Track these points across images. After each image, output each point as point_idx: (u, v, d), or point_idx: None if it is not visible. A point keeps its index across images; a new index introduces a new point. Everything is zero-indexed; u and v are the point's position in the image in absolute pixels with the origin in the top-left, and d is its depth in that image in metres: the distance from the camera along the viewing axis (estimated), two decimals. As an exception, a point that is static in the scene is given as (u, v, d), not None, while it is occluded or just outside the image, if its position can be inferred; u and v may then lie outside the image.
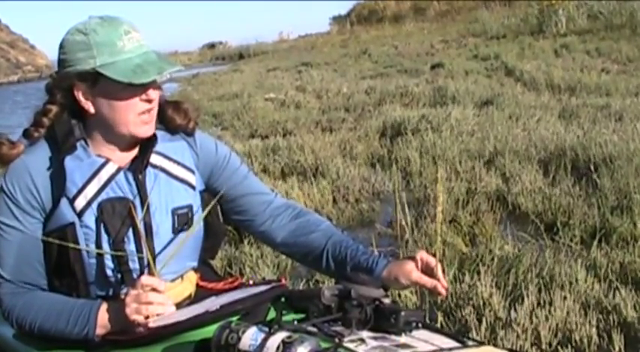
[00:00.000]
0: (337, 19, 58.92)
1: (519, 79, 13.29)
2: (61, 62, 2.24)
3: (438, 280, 2.27)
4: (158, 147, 2.34)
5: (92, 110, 2.23)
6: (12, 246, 2.25)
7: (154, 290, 2.10)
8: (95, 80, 2.19)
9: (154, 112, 2.30)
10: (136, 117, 2.24)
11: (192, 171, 2.42)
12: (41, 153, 2.26)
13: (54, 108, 2.26)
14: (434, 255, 2.29)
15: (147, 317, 2.08)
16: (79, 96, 2.22)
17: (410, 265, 2.31)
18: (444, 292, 2.31)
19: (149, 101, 2.25)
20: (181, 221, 2.36)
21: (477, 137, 7.77)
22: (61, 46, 2.24)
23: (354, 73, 19.41)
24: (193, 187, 2.41)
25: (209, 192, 2.50)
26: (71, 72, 2.21)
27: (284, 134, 10.12)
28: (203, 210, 2.42)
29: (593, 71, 13.03)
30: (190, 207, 2.38)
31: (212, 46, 74.84)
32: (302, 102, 13.52)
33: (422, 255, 2.32)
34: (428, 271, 2.29)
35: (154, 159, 2.33)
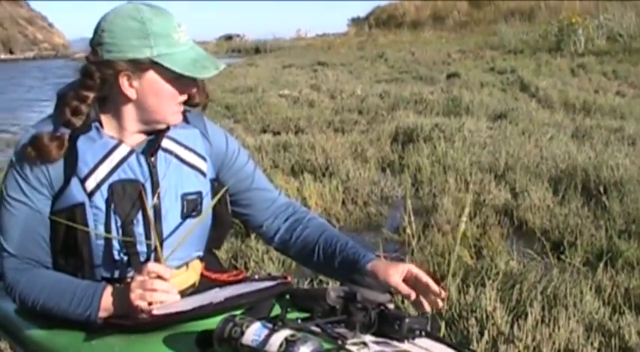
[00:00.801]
0: (355, 21, 59.07)
1: (534, 95, 13.26)
2: (105, 45, 2.19)
3: (432, 291, 2.26)
4: (170, 133, 2.34)
5: (134, 97, 2.22)
6: (18, 221, 2.24)
7: (159, 277, 2.09)
8: (146, 69, 2.18)
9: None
10: (175, 106, 2.25)
11: (204, 159, 2.42)
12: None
13: (91, 95, 2.23)
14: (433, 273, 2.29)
15: (150, 304, 2.07)
16: (123, 82, 2.20)
17: (394, 269, 2.29)
18: (427, 308, 2.32)
19: (186, 94, 2.28)
20: (190, 207, 2.35)
21: (488, 150, 7.74)
22: (108, 30, 2.19)
23: (369, 76, 19.43)
24: (204, 174, 2.40)
25: (218, 182, 2.50)
26: (120, 58, 2.19)
27: (296, 131, 10.13)
28: (212, 198, 2.42)
29: (609, 93, 13.01)
30: (200, 193, 2.38)
31: (229, 38, 75.11)
32: (316, 101, 13.52)
33: (410, 267, 2.30)
34: (411, 283, 2.28)
35: (166, 143, 2.32)
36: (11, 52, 61.95)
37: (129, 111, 2.26)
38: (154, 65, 2.17)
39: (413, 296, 2.27)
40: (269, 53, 45.34)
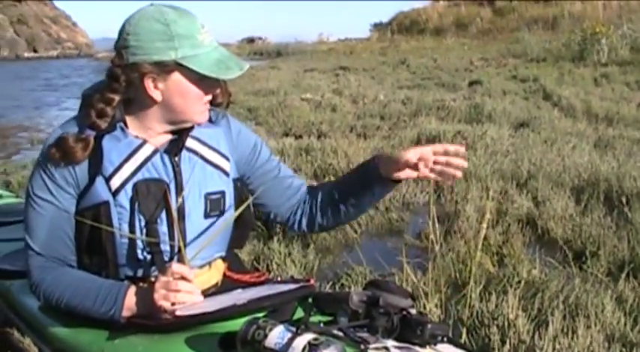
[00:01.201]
0: (378, 27, 59.15)
1: (557, 104, 13.20)
2: (131, 48, 2.21)
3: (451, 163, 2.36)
4: (194, 132, 2.37)
5: (159, 98, 2.23)
6: (44, 220, 2.27)
7: (183, 278, 2.10)
8: (171, 70, 2.19)
9: None
10: (202, 106, 2.27)
11: (227, 159, 2.45)
12: (79, 129, 2.26)
13: (117, 98, 2.24)
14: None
15: (174, 304, 2.08)
16: (149, 84, 2.22)
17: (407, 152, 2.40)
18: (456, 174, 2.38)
19: (211, 95, 2.31)
20: (213, 207, 2.38)
21: (510, 158, 7.71)
22: (133, 33, 2.21)
23: (391, 82, 19.43)
24: (227, 174, 2.44)
25: (242, 180, 2.52)
26: (145, 60, 2.20)
27: (318, 135, 10.13)
28: (235, 197, 2.45)
29: (632, 103, 12.92)
30: (223, 193, 2.40)
31: (251, 40, 75.42)
32: (338, 105, 13.51)
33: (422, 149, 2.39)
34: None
35: (190, 143, 2.35)
36: (35, 51, 62.31)
37: (154, 113, 2.27)
38: (179, 67, 2.19)
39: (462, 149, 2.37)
40: (291, 56, 45.45)
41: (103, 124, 2.23)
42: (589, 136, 9.56)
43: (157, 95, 2.23)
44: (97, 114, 2.23)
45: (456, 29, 45.44)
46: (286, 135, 10.60)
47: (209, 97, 2.30)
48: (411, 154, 2.35)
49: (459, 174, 2.35)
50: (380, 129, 10.70)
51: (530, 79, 17.95)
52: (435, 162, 2.35)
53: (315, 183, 2.86)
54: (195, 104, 2.26)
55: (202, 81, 2.23)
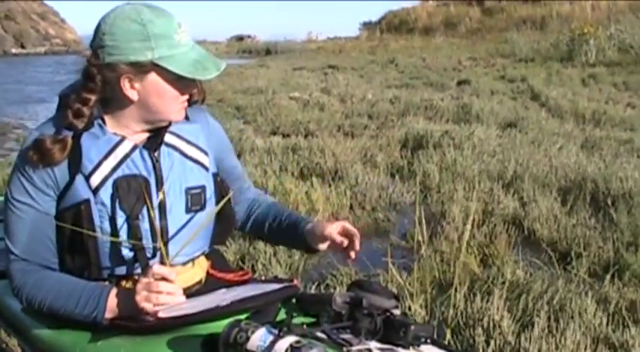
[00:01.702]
0: (367, 25, 59.14)
1: (544, 104, 13.26)
2: (107, 48, 2.18)
3: (353, 245, 2.43)
4: (173, 128, 2.36)
5: (136, 98, 2.22)
6: (25, 224, 2.25)
7: (164, 279, 2.09)
8: (148, 71, 2.19)
9: None
10: (178, 105, 2.26)
11: (206, 153, 2.44)
12: (57, 129, 2.25)
13: (93, 98, 2.23)
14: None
15: (156, 306, 2.08)
16: (125, 84, 2.20)
17: (331, 225, 2.46)
18: (352, 255, 2.46)
19: (188, 94, 2.29)
20: (195, 201, 2.37)
21: (497, 158, 7.73)
22: (109, 32, 2.18)
23: (379, 81, 19.45)
24: (207, 168, 2.43)
25: (220, 176, 2.53)
26: (122, 60, 2.19)
27: (305, 134, 10.15)
28: (216, 192, 2.45)
29: (619, 104, 12.99)
30: (204, 187, 2.40)
31: (240, 38, 75.35)
32: (326, 104, 13.53)
33: (345, 224, 2.47)
34: (345, 236, 2.45)
35: (169, 138, 2.34)
36: (23, 47, 62.10)
37: (131, 112, 2.26)
38: (155, 67, 2.17)
39: (345, 243, 2.42)
40: (280, 55, 45.45)
41: (80, 124, 2.21)
42: (576, 137, 9.60)
43: (133, 95, 2.22)
44: (73, 115, 2.21)
45: (445, 29, 45.48)
46: (274, 133, 10.63)
47: (186, 97, 2.30)
48: (334, 230, 2.47)
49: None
50: (368, 128, 10.73)
51: (518, 79, 18.01)
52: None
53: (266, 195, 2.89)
54: (171, 104, 2.25)
55: (179, 81, 2.21)
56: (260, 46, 56.88)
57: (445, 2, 51.42)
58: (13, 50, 60.11)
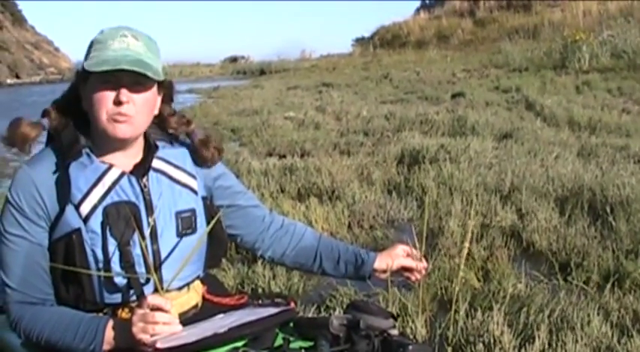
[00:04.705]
0: (360, 41, 59.27)
1: (539, 113, 13.25)
2: None
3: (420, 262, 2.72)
4: (160, 153, 2.39)
5: (86, 107, 2.26)
6: (19, 256, 2.26)
7: (160, 309, 2.10)
8: (85, 77, 2.22)
9: (131, 116, 2.26)
10: (106, 114, 2.23)
11: (194, 177, 2.46)
12: (46, 162, 2.29)
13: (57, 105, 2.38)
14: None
15: (153, 336, 2.08)
16: (82, 93, 2.28)
17: (398, 249, 2.72)
18: (423, 272, 2.75)
19: (118, 103, 2.23)
20: (185, 224, 2.38)
21: (494, 170, 7.71)
22: None
23: (374, 97, 19.48)
24: (195, 192, 2.44)
25: (210, 200, 2.53)
26: (79, 68, 2.27)
27: (302, 154, 10.13)
28: (206, 215, 2.46)
29: (614, 110, 12.98)
30: (194, 210, 2.41)
31: (234, 59, 75.54)
32: (321, 123, 13.55)
33: (403, 247, 2.73)
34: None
35: (156, 163, 2.37)
36: (18, 77, 62.18)
37: (95, 129, 2.29)
38: (86, 72, 2.22)
39: (425, 265, 2.73)
40: (274, 74, 45.59)
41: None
42: (572, 145, 9.60)
43: (85, 103, 2.28)
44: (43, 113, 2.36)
45: (438, 41, 45.54)
46: (270, 154, 10.64)
47: (115, 109, 2.23)
48: (404, 262, 2.72)
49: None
50: (363, 145, 10.71)
51: (512, 90, 18.01)
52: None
53: (304, 225, 2.90)
54: (98, 110, 2.22)
55: (100, 85, 2.21)
56: (254, 67, 57.07)
57: (437, 15, 51.54)
58: (8, 80, 60.18)
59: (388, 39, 52.48)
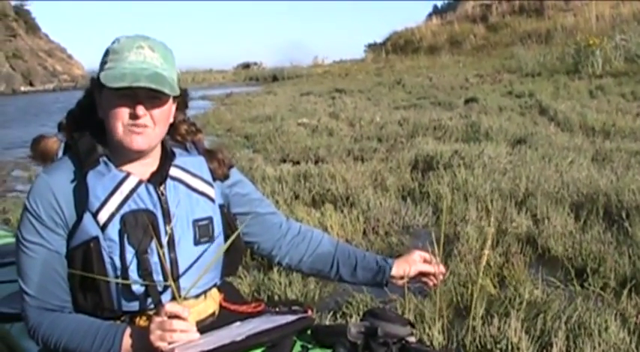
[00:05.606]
0: (372, 47, 59.21)
1: (553, 118, 13.20)
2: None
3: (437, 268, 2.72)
4: (177, 161, 2.39)
5: (102, 115, 2.27)
6: (37, 264, 2.27)
7: (177, 317, 2.10)
8: (101, 86, 2.21)
9: (148, 128, 2.27)
10: (122, 126, 2.23)
11: (211, 185, 2.45)
12: (64, 171, 2.29)
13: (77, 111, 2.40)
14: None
15: (171, 344, 2.08)
16: (97, 99, 2.29)
17: (415, 255, 2.73)
18: (442, 277, 2.76)
19: (135, 116, 2.23)
20: (203, 233, 2.38)
21: (508, 176, 7.69)
22: None
23: (387, 103, 19.45)
24: (212, 200, 2.44)
25: (227, 208, 2.53)
26: (94, 76, 2.27)
27: (316, 161, 10.14)
28: (223, 223, 2.46)
29: (628, 115, 12.91)
30: (211, 219, 2.41)
31: (247, 66, 75.65)
32: (335, 129, 13.55)
33: (420, 252, 2.75)
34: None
35: (173, 171, 2.37)
36: (31, 85, 62.44)
37: (110, 140, 2.30)
38: (101, 82, 2.22)
39: (443, 270, 2.75)
40: (287, 80, 45.63)
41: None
42: (586, 150, 9.54)
43: (101, 112, 2.28)
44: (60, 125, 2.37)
45: (450, 47, 45.48)
46: (284, 161, 10.63)
47: (131, 122, 2.24)
48: (422, 267, 2.74)
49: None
50: (377, 151, 10.70)
51: (525, 95, 17.97)
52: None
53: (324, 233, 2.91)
54: (115, 122, 2.23)
55: (117, 97, 2.21)
56: (267, 73, 57.14)
57: (449, 20, 51.50)
58: (22, 88, 60.44)
59: (401, 44, 52.46)
